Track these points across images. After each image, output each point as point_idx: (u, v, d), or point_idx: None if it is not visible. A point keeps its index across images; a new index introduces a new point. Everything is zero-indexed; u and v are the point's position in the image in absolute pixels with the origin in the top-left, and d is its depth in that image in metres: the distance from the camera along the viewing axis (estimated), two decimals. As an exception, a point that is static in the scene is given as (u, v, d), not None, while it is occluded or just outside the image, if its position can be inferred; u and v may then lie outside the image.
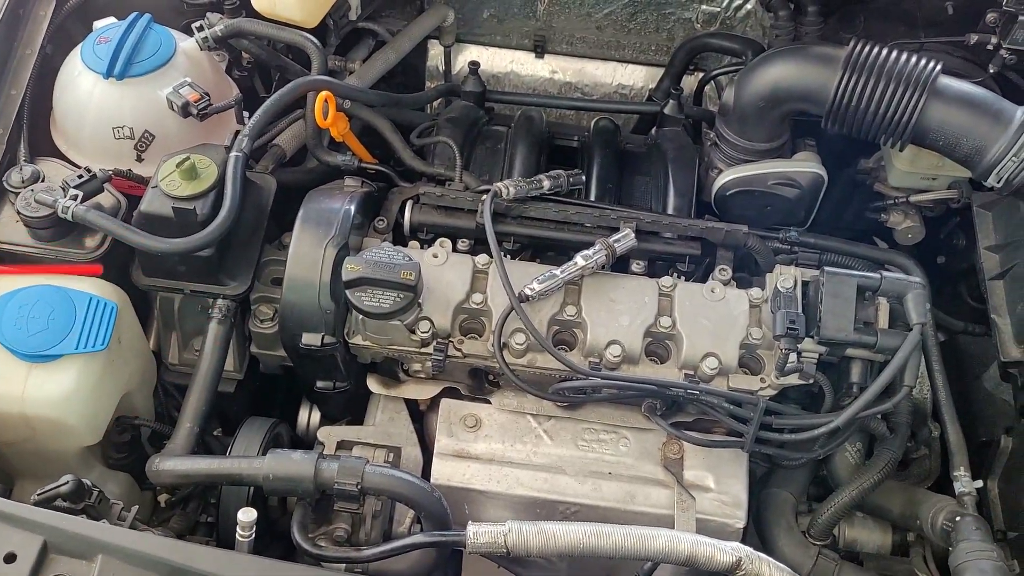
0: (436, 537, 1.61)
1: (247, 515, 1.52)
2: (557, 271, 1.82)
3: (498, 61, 2.70)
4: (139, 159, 1.97)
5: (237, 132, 1.87)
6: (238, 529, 1.53)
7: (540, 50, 2.67)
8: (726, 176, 2.14)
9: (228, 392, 2.03)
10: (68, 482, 1.44)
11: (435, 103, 2.48)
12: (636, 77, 2.69)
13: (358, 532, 1.77)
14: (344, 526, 1.74)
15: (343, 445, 1.89)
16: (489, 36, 2.65)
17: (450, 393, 1.93)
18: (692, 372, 1.83)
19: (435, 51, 2.70)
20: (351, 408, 2.04)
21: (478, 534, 1.56)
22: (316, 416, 2.10)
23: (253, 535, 1.55)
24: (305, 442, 2.06)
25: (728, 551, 1.54)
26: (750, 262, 2.05)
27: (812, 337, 1.79)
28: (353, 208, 1.88)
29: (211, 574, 1.37)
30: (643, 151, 2.26)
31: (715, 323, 1.84)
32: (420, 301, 1.80)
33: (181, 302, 1.94)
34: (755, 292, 1.89)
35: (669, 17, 2.56)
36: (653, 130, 2.34)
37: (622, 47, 2.65)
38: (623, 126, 2.58)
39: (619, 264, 1.95)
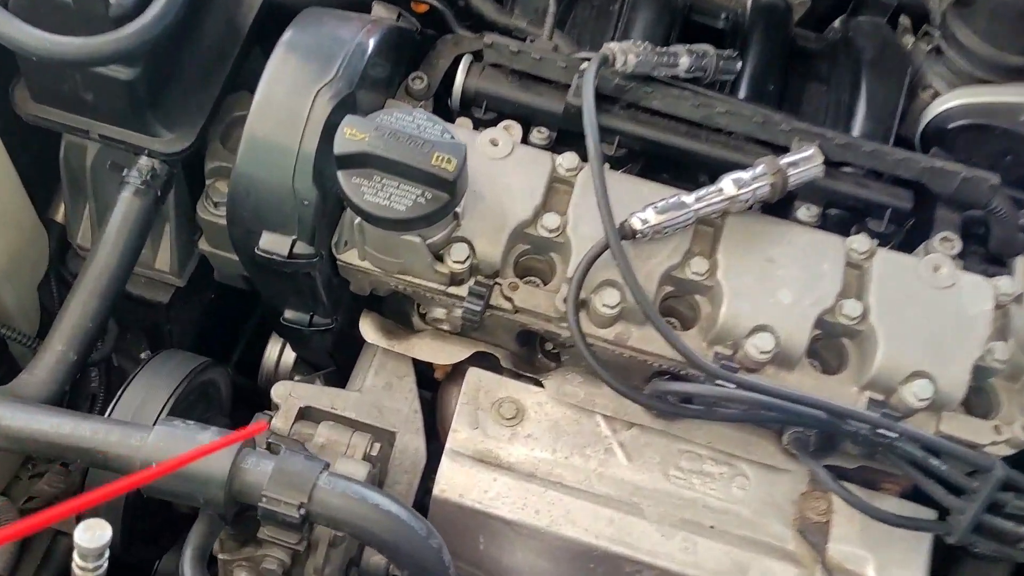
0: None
1: (90, 536, 0.85)
2: (688, 197, 1.18)
3: None
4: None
5: None
6: (75, 558, 0.87)
7: None
8: (952, 99, 1.47)
9: (160, 303, 1.47)
10: None
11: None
12: None
13: (303, 564, 1.11)
14: (279, 555, 1.07)
15: (308, 415, 1.23)
16: None
17: (483, 361, 1.31)
18: (882, 397, 1.15)
19: None
20: (342, 354, 1.46)
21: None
22: (290, 357, 1.58)
23: (103, 567, 0.88)
24: (262, 394, 1.41)
25: None
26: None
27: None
28: (372, 44, 1.20)
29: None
30: (822, 48, 1.62)
31: (936, 324, 1.17)
32: (459, 210, 1.14)
33: (96, 155, 1.31)
34: (1004, 283, 1.19)
35: None
36: (837, 21, 1.65)
37: None
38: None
39: (779, 206, 1.28)
